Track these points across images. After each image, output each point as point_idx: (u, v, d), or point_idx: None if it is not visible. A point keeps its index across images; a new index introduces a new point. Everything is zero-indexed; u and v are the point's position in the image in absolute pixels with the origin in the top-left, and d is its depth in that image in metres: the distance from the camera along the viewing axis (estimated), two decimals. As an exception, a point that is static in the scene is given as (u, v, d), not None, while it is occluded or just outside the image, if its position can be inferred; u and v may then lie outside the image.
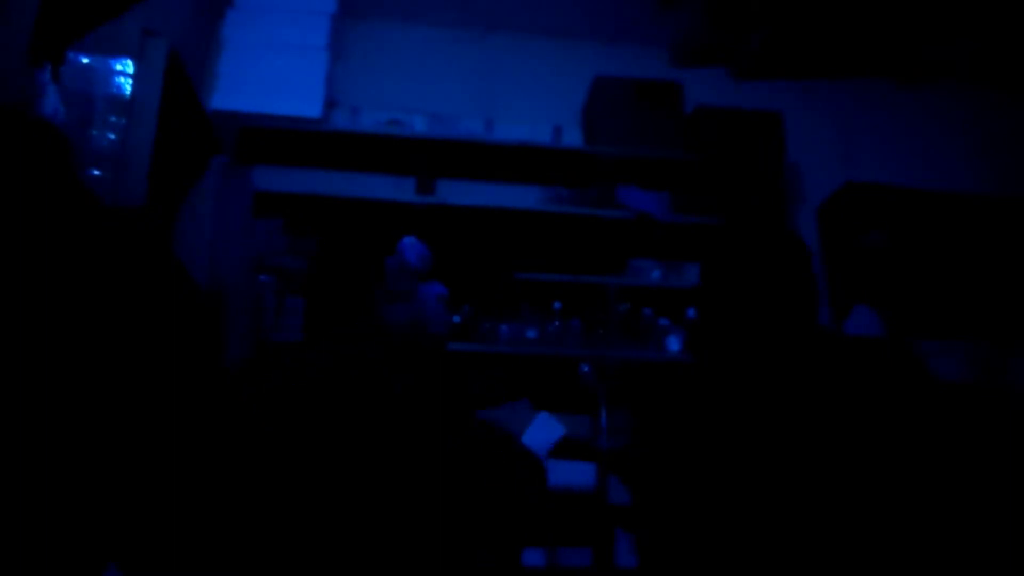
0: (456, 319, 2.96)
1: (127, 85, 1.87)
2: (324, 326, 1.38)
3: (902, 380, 1.20)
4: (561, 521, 2.77)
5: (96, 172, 1.77)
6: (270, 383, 1.21)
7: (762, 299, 1.29)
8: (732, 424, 1.23)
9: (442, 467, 1.20)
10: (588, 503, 2.75)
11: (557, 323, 3.04)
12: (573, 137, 3.39)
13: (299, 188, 2.99)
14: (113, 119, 1.83)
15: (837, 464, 1.14)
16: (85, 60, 1.82)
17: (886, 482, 1.12)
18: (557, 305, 3.04)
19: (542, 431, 2.75)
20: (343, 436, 1.15)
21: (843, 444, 1.15)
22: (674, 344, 3.05)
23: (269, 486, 1.09)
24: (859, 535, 1.10)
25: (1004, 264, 3.20)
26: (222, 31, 3.12)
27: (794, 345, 1.27)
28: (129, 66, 1.88)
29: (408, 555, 1.11)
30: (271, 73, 3.07)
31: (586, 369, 2.97)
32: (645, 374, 3.01)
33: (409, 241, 1.53)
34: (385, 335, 1.41)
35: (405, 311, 1.43)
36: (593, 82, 3.39)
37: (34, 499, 0.92)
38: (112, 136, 1.82)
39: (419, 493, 1.15)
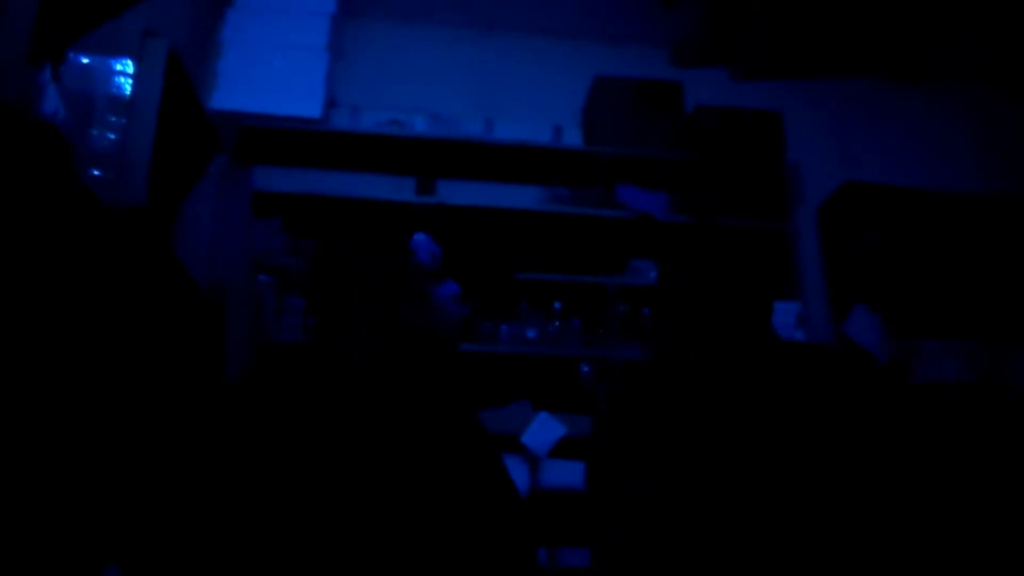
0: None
1: (127, 85, 1.87)
2: (335, 329, 1.30)
3: (852, 386, 1.21)
4: (561, 521, 2.76)
5: (96, 172, 1.76)
6: (275, 395, 1.18)
7: (716, 302, 1.30)
8: (683, 425, 1.24)
9: (454, 479, 1.17)
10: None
11: (557, 323, 3.04)
12: (573, 137, 3.38)
13: (299, 188, 3.00)
14: (113, 119, 1.83)
15: (784, 466, 1.14)
16: (85, 60, 1.82)
17: (841, 483, 1.13)
18: (557, 305, 3.04)
19: (542, 431, 2.75)
20: (350, 446, 1.14)
21: (791, 447, 1.15)
22: (674, 344, 3.05)
23: (270, 490, 1.09)
24: (805, 533, 1.10)
25: (1004, 264, 3.20)
26: (222, 31, 3.11)
27: (747, 349, 1.28)
28: (129, 66, 1.88)
29: (420, 567, 1.09)
30: (271, 73, 3.07)
31: (586, 369, 2.97)
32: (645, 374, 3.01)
33: (420, 239, 1.38)
34: (405, 339, 1.30)
35: (421, 314, 1.32)
36: (593, 82, 3.39)
37: (33, 498, 0.92)
38: (112, 136, 1.82)
39: (431, 506, 1.13)
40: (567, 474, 2.75)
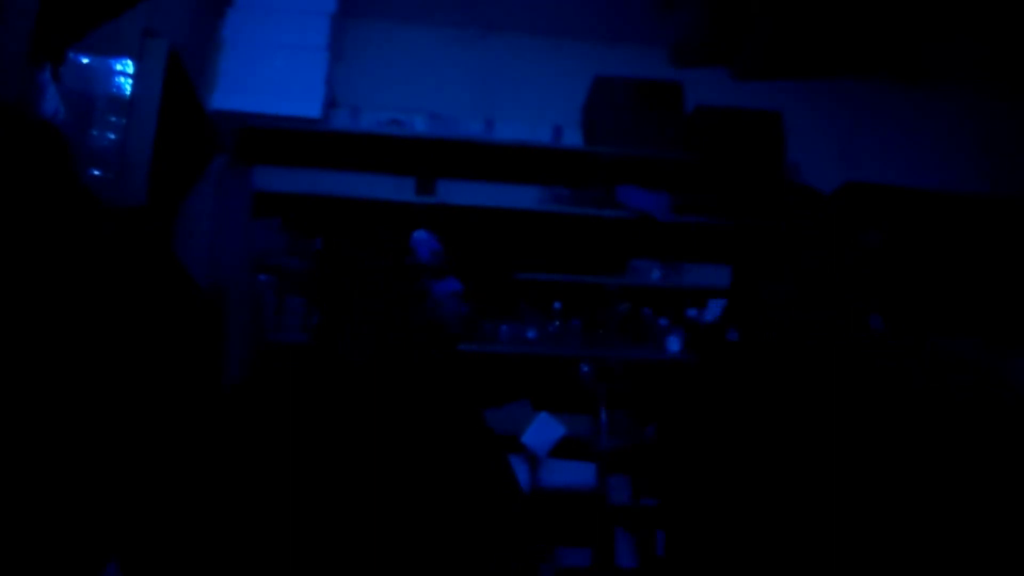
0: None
1: (127, 85, 1.87)
2: (335, 329, 1.29)
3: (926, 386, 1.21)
4: (561, 521, 2.77)
5: (96, 172, 1.76)
6: (275, 395, 1.18)
7: (804, 301, 1.30)
8: (761, 426, 1.23)
9: (454, 479, 1.17)
10: (588, 503, 2.75)
11: (557, 323, 3.04)
12: (573, 137, 3.38)
13: (299, 188, 3.00)
14: (113, 119, 1.83)
15: (857, 468, 1.14)
16: (85, 60, 1.82)
17: (904, 486, 1.12)
18: (557, 305, 3.04)
19: (542, 431, 2.75)
20: (350, 446, 1.14)
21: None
22: (674, 344, 3.05)
23: (270, 489, 1.09)
24: (870, 537, 1.10)
25: (1004, 264, 3.20)
26: (222, 31, 3.11)
27: (835, 348, 1.28)
28: (129, 66, 1.88)
29: (421, 566, 1.09)
30: (271, 73, 3.07)
31: (586, 369, 2.97)
32: (645, 374, 3.01)
33: (421, 236, 1.37)
34: (405, 339, 1.29)
35: (419, 313, 1.31)
36: (593, 82, 3.39)
37: (34, 497, 0.92)
38: (112, 136, 1.82)
39: (432, 506, 1.13)
40: (567, 474, 2.75)
